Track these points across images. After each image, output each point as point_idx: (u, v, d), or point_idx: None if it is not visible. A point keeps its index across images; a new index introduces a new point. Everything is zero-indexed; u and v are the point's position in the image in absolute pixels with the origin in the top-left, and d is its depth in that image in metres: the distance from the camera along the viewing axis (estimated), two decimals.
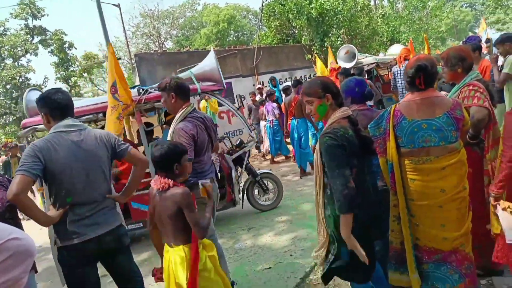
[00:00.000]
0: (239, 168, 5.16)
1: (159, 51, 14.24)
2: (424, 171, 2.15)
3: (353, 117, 2.13)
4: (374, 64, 10.18)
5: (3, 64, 24.02)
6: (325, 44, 13.61)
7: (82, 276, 2.20)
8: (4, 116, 24.75)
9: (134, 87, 12.51)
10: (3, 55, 24.59)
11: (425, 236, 2.23)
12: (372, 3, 17.93)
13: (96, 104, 4.67)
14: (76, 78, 27.96)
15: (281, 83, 12.48)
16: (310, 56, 13.82)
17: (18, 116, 24.60)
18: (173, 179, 2.16)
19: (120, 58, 13.16)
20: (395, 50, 10.83)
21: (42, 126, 4.42)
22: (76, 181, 2.15)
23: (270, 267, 3.58)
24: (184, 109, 2.82)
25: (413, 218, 2.23)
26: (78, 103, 4.62)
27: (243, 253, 4.04)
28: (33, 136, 4.69)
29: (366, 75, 9.28)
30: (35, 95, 4.77)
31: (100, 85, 33.42)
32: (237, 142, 5.60)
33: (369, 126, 2.32)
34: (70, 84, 27.80)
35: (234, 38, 39.86)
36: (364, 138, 2.13)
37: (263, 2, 13.67)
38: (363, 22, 14.64)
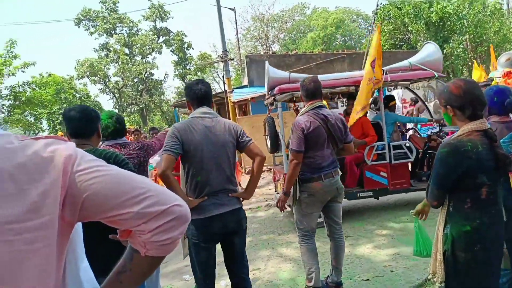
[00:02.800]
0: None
1: (268, 53, 14.74)
2: None
3: (491, 132, 1.92)
4: None
5: (133, 60, 27.53)
6: (444, 51, 12.51)
7: (205, 251, 2.42)
8: (130, 106, 28.37)
9: (242, 87, 13.14)
10: (134, 53, 28.23)
11: None
12: (505, 7, 15.86)
13: (348, 78, 5.25)
14: (190, 76, 30.64)
15: (389, 90, 11.88)
16: None
17: (141, 106, 28.01)
18: None
19: (232, 59, 14.02)
20: None
21: (299, 93, 4.96)
22: (205, 161, 2.37)
23: (367, 279, 3.45)
24: (308, 106, 3.04)
25: None
26: (332, 76, 5.37)
27: None
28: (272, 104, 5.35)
29: None
30: (273, 70, 5.43)
31: (210, 83, 36.04)
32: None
33: (501, 140, 2.08)
34: (185, 81, 30.59)
35: (341, 42, 39.10)
36: (501, 156, 1.91)
37: (377, 5, 13.12)
38: (492, 28, 13.05)
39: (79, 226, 0.86)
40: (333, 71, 12.04)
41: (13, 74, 16.72)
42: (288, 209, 3.20)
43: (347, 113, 5.43)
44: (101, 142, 2.63)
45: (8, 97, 17.09)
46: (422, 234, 2.38)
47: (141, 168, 2.69)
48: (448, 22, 12.57)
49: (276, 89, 4.98)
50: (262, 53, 36.62)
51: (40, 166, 0.73)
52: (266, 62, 5.35)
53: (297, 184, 3.00)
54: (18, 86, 17.35)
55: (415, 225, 2.36)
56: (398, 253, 3.95)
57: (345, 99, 6.84)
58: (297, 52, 15.06)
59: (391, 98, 6.01)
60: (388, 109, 5.87)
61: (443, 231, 1.98)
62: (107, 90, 27.30)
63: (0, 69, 16.16)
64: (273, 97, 5.11)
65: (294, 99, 5.40)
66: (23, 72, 17.06)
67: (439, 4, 12.24)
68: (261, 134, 10.62)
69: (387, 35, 14.58)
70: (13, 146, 0.74)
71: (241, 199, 2.54)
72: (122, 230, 0.87)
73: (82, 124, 2.07)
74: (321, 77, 5.14)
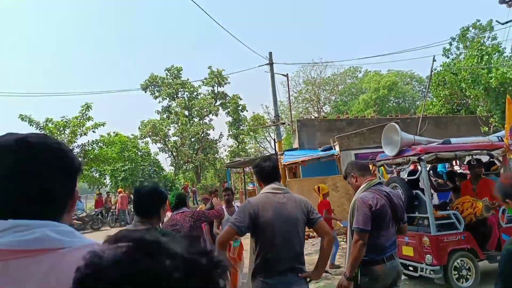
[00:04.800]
0: None
1: (319, 117, 15.03)
2: None
3: None
4: None
5: (191, 122, 29.30)
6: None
7: None
8: (186, 164, 29.64)
9: (293, 150, 13.26)
10: (192, 115, 30.13)
11: None
12: None
13: (479, 143, 5.55)
14: (243, 136, 31.76)
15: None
16: (487, 129, 12.26)
17: (196, 164, 29.18)
18: None
19: (283, 123, 14.45)
20: None
21: (443, 153, 5.24)
22: (277, 237, 2.42)
23: None
24: (367, 182, 2.96)
25: None
26: (464, 140, 5.68)
27: None
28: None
29: None
30: (402, 132, 5.53)
31: (261, 143, 36.97)
32: None
33: None
34: (238, 140, 31.70)
35: (394, 104, 38.81)
36: None
37: (431, 71, 13.09)
38: None
39: None
40: None
41: (85, 134, 18.48)
42: None
43: (475, 174, 5.61)
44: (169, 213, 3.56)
45: (79, 154, 18.75)
46: None
47: (194, 229, 3.25)
48: (510, 88, 12.12)
49: (418, 148, 5.15)
50: (313, 114, 37.23)
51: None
52: (396, 125, 5.47)
53: (358, 267, 2.83)
54: (88, 144, 19.06)
55: None
56: None
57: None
58: (348, 117, 15.16)
59: (493, 163, 6.14)
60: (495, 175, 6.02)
61: None
62: (166, 149, 29.00)
63: (74, 129, 17.98)
64: (413, 157, 5.20)
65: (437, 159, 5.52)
66: (94, 132, 18.84)
67: (499, 70, 11.91)
68: (312, 197, 10.56)
69: (443, 100, 14.29)
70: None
71: (308, 279, 2.53)
72: None
73: (146, 206, 2.29)
74: (454, 140, 5.53)
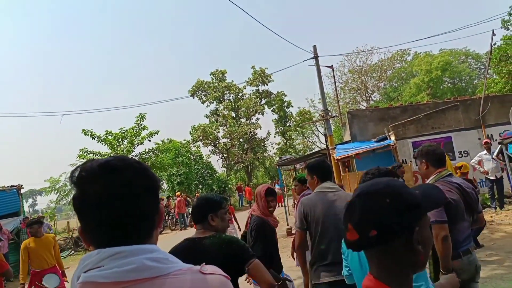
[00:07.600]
0: None
1: (370, 107, 14.48)
2: None
3: None
4: None
5: (239, 123, 29.72)
6: None
7: None
8: (237, 164, 30.13)
9: (344, 143, 12.94)
10: (239, 116, 30.54)
11: None
12: None
13: None
14: (291, 132, 31.62)
15: None
16: None
17: (246, 164, 29.55)
18: None
19: (333, 117, 14.12)
20: None
21: None
22: (326, 232, 2.77)
23: None
24: (437, 174, 2.82)
25: None
26: None
27: None
28: None
29: None
30: None
31: (309, 137, 36.49)
32: None
33: None
34: (286, 137, 31.62)
35: (449, 85, 36.41)
36: None
37: (491, 47, 12.07)
38: None
39: None
40: (446, 122, 11.19)
41: (141, 143, 19.40)
42: None
43: None
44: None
45: None
46: None
47: None
48: None
49: None
50: (361, 104, 36.06)
51: None
52: None
53: (432, 263, 2.72)
54: (145, 153, 19.98)
55: None
56: None
57: None
58: (401, 104, 14.43)
59: None
60: None
61: None
62: (217, 151, 29.69)
63: (131, 139, 18.95)
64: None
65: None
66: (149, 140, 19.71)
67: None
68: None
69: (507, 76, 13.14)
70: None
71: None
72: None
73: (196, 212, 2.29)
74: None
